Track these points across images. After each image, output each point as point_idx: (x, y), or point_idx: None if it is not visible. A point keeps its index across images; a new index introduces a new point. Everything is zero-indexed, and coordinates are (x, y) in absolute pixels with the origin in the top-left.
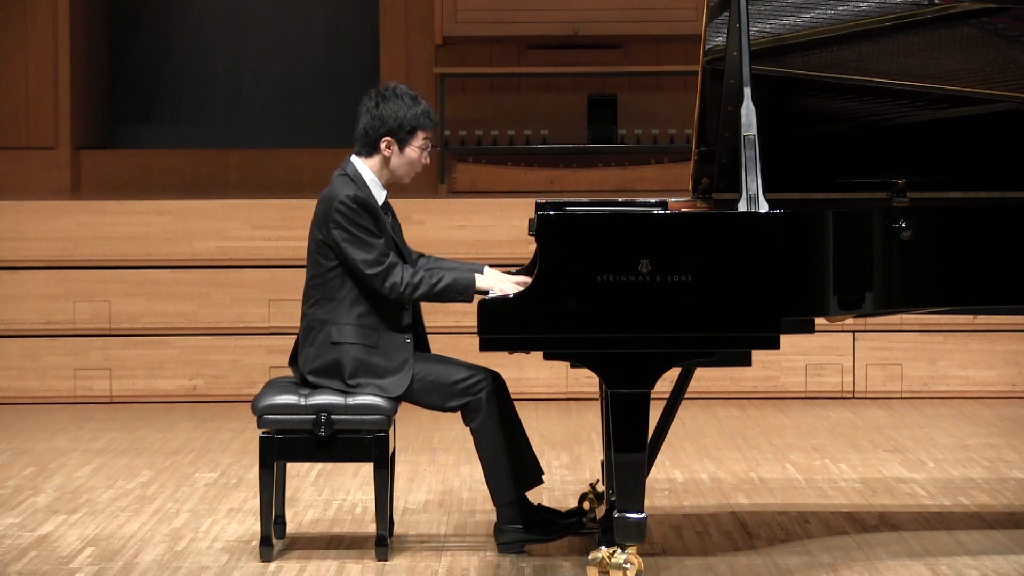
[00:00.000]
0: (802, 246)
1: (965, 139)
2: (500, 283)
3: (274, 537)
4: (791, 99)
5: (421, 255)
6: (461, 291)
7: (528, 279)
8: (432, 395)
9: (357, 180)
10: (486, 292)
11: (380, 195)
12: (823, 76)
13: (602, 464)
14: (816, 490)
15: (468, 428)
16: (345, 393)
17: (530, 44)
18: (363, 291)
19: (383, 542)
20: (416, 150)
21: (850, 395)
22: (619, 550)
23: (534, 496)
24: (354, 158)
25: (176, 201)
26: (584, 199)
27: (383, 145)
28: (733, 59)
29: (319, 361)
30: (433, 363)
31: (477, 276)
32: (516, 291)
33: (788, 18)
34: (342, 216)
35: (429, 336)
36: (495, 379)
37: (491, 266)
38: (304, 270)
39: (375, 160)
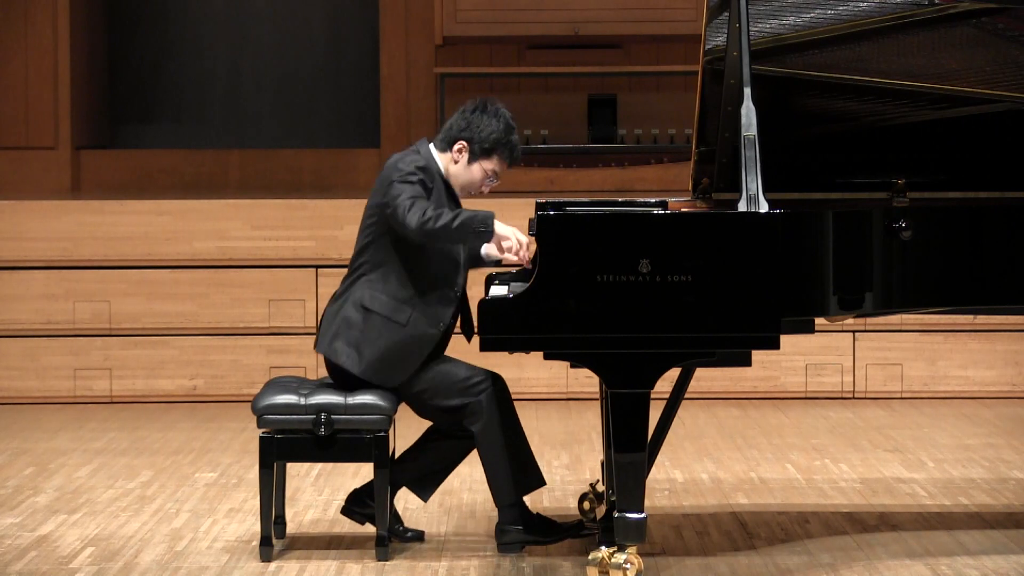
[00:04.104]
0: (802, 246)
1: (965, 139)
2: (515, 232)
3: (274, 537)
4: (791, 99)
5: None
6: (481, 221)
7: (533, 243)
8: (433, 393)
9: (428, 162)
10: (503, 239)
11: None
12: (823, 76)
13: (602, 464)
14: (816, 490)
15: (470, 430)
16: (344, 391)
17: (530, 44)
18: (407, 269)
19: (383, 542)
20: (482, 170)
21: (850, 395)
22: (619, 550)
23: (535, 496)
24: (431, 145)
25: (176, 201)
26: (584, 199)
27: (457, 147)
28: (733, 59)
29: (339, 316)
30: (436, 361)
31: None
32: (525, 256)
33: (788, 18)
34: (407, 170)
35: None
36: (496, 381)
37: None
38: (301, 270)
39: (446, 157)
